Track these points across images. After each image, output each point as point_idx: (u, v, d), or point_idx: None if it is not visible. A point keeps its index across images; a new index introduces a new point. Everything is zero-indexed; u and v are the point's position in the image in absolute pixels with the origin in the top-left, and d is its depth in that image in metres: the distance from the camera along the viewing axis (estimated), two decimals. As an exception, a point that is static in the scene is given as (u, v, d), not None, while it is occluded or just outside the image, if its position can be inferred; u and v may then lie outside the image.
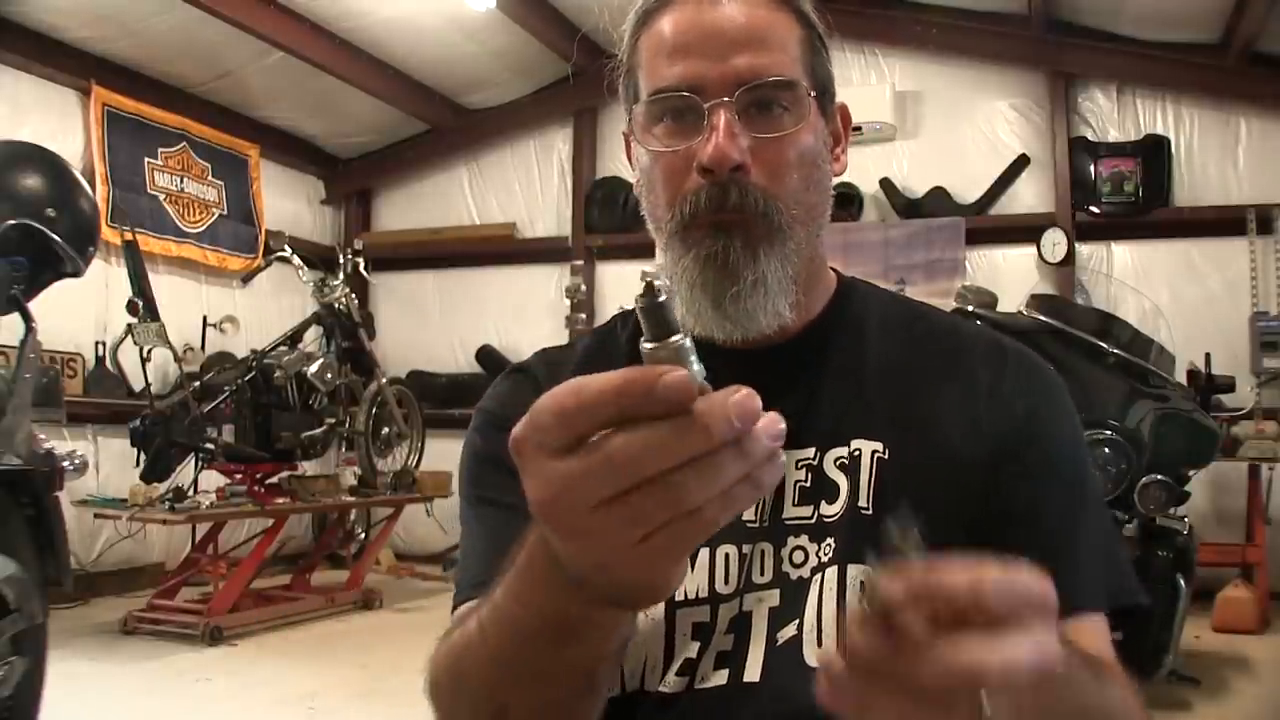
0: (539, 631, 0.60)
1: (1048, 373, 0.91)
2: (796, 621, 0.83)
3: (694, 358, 0.48)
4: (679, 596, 0.85)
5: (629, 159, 0.93)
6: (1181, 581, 3.02)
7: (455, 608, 0.86)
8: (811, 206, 0.86)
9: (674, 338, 0.48)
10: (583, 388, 0.47)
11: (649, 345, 0.48)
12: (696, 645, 0.84)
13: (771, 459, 0.48)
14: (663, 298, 0.48)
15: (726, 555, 0.86)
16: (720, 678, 0.83)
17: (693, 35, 0.84)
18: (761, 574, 0.85)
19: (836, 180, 0.93)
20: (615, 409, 0.46)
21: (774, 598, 0.84)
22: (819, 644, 0.81)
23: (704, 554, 0.86)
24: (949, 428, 0.85)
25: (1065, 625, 0.68)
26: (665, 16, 0.86)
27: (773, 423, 0.47)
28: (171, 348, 4.77)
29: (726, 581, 0.85)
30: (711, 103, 0.82)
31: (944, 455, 0.84)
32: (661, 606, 0.85)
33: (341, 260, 5.56)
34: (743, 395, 0.46)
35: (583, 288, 6.67)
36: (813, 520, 0.85)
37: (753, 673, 0.82)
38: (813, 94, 0.86)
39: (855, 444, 0.86)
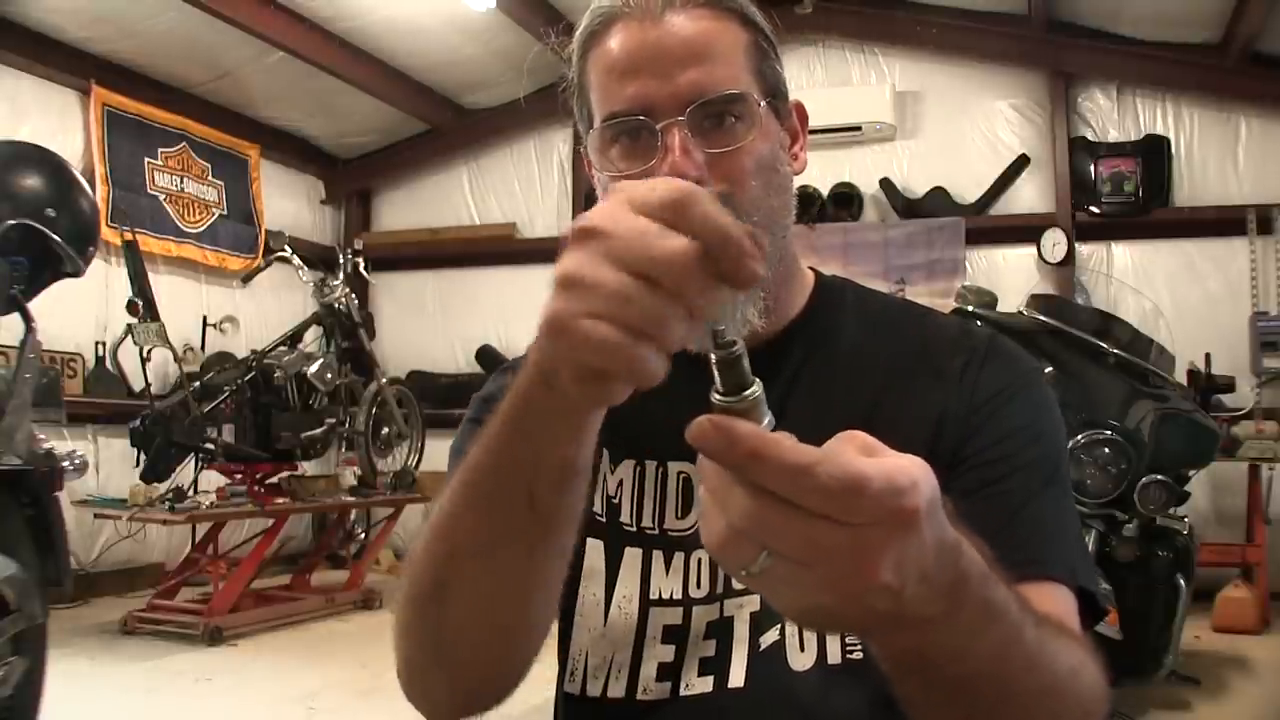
0: (506, 419, 0.65)
1: (1022, 361, 0.90)
2: (779, 626, 0.83)
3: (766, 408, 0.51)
4: (653, 595, 0.86)
5: (589, 176, 0.93)
6: (1181, 581, 3.02)
7: None
8: (773, 210, 0.86)
9: (749, 391, 0.50)
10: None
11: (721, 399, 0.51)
12: (670, 649, 0.84)
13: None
14: (737, 351, 0.50)
15: (700, 560, 0.86)
16: (705, 684, 0.83)
17: (639, 55, 0.83)
18: None
19: (798, 176, 0.93)
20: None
21: (754, 603, 0.84)
22: (801, 648, 0.82)
23: (678, 558, 0.87)
24: (919, 422, 0.84)
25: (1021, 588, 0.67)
26: (610, 37, 0.86)
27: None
28: (171, 348, 4.77)
29: (699, 586, 0.85)
30: (664, 123, 0.82)
31: (914, 449, 0.84)
32: (636, 603, 0.86)
33: (341, 260, 5.56)
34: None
35: (583, 288, 6.66)
36: None
37: (737, 678, 0.83)
38: (764, 100, 0.86)
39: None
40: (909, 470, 0.48)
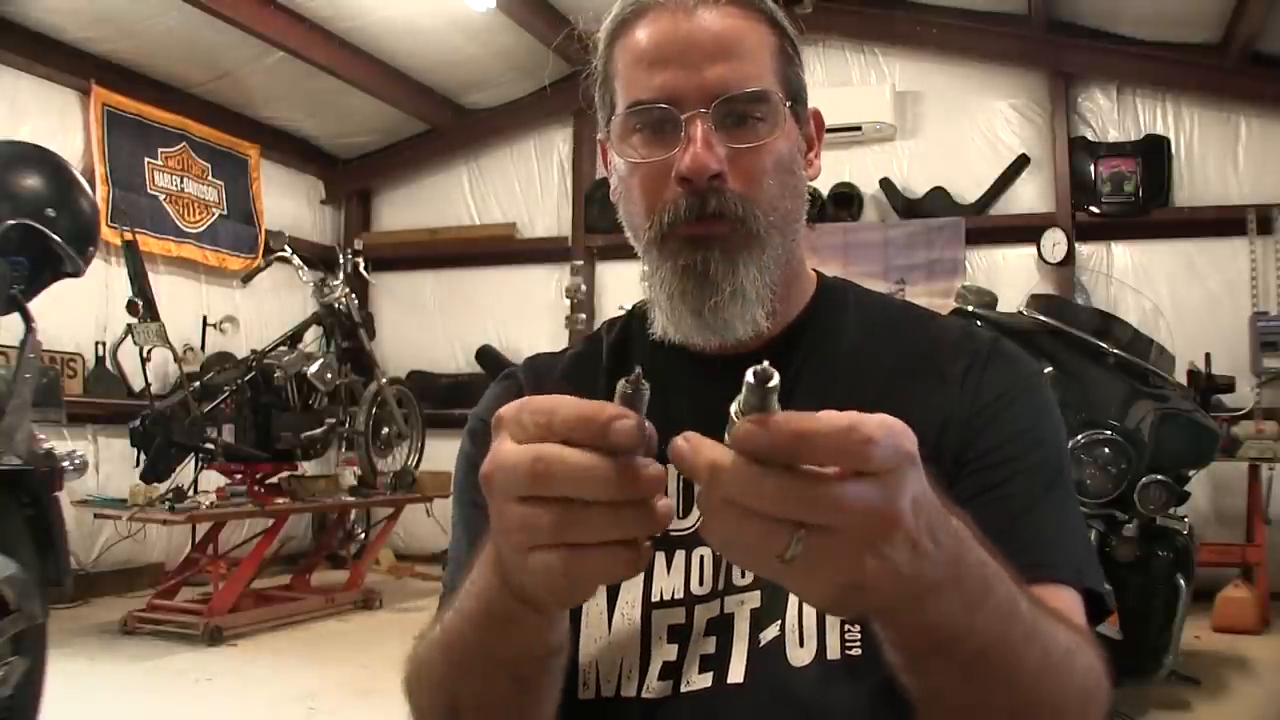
0: (479, 620, 0.67)
1: (1024, 364, 0.90)
2: (779, 622, 0.83)
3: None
4: (655, 598, 0.86)
5: (604, 165, 0.94)
6: (1181, 581, 3.02)
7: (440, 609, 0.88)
8: (787, 213, 0.87)
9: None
10: (558, 404, 0.53)
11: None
12: (674, 648, 0.84)
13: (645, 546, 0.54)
14: (773, 384, 0.50)
15: (702, 558, 0.86)
16: (705, 680, 0.83)
17: (669, 47, 0.84)
18: (742, 575, 0.85)
19: (811, 183, 0.94)
20: (571, 432, 0.52)
21: (755, 599, 0.84)
22: (800, 644, 0.82)
23: (680, 556, 0.86)
24: (921, 425, 0.84)
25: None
26: (641, 27, 0.86)
27: (666, 509, 0.53)
28: (171, 348, 4.77)
29: (702, 583, 0.85)
30: (688, 114, 0.83)
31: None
32: (639, 608, 0.85)
33: (341, 260, 5.56)
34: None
35: (583, 288, 6.67)
36: None
37: (737, 674, 0.83)
38: (787, 103, 0.87)
39: None
40: (895, 420, 0.52)
